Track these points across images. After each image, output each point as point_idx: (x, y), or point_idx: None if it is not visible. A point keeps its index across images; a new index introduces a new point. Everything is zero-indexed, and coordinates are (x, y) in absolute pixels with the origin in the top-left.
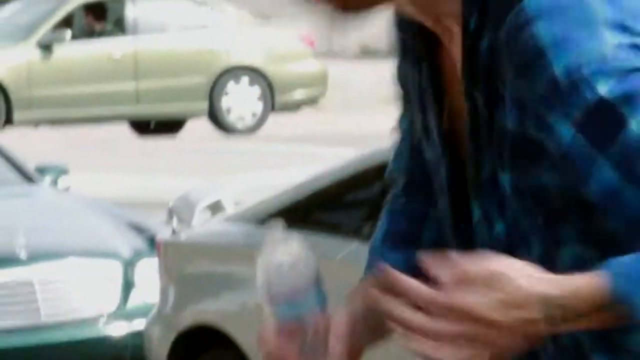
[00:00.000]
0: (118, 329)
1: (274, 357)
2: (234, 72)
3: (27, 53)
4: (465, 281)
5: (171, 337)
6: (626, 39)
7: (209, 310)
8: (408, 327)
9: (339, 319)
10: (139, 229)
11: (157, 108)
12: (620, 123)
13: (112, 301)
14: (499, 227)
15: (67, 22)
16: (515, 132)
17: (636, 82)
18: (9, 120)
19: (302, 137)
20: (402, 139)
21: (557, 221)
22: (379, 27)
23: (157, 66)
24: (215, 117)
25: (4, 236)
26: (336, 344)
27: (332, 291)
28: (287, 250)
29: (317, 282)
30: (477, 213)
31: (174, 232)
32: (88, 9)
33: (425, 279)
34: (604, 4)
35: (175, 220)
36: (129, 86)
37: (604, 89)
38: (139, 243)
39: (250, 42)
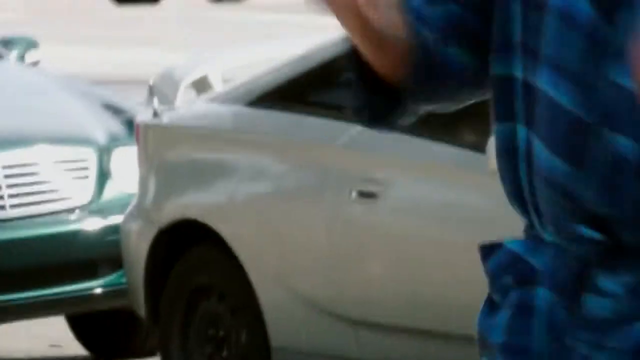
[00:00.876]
0: (92, 224)
1: None
2: None
3: None
4: None
5: (152, 232)
6: None
7: (194, 202)
8: None
9: None
10: (116, 111)
11: None
12: None
13: (85, 193)
14: None
15: None
16: None
17: None
18: None
19: (294, 4)
20: None
21: None
22: None
23: None
24: None
25: None
26: None
27: (332, 178)
28: None
29: None
30: None
31: (155, 113)
32: None
33: None
34: None
35: (156, 100)
36: None
37: None
38: (116, 127)
39: None
